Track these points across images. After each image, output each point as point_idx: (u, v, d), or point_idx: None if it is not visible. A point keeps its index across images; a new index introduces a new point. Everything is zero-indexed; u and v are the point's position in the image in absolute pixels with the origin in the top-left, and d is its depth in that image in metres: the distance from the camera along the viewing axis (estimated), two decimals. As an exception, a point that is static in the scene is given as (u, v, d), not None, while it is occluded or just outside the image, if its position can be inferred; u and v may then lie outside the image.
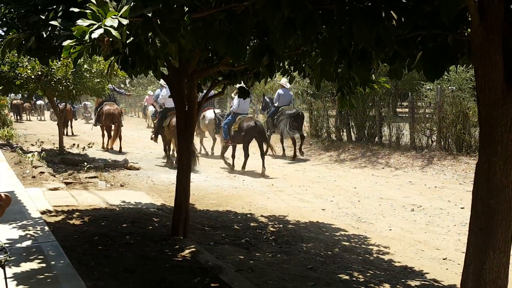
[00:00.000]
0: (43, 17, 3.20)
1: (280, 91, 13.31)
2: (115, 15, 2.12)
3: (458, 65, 2.95)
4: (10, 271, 3.69)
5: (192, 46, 3.06)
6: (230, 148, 11.16)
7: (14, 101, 26.65)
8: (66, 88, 10.26)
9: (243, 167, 10.67)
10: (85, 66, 10.13)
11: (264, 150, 10.77)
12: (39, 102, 29.11)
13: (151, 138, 12.44)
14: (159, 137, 11.94)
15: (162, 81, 11.05)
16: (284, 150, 13.36)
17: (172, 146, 11.46)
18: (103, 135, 13.81)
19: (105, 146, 13.66)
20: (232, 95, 12.04)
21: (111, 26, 2.07)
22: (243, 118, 10.79)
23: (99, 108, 13.97)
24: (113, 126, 13.27)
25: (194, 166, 9.75)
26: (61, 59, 8.38)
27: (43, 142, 12.91)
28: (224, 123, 11.18)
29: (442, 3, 2.04)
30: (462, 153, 10.94)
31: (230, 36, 2.56)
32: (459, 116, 11.18)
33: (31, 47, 3.46)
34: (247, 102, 11.41)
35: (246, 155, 10.65)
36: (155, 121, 13.10)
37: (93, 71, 10.29)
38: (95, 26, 2.08)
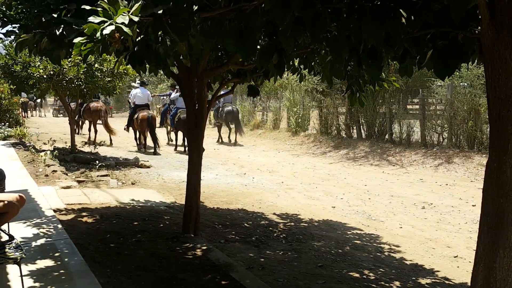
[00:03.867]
0: (56, 16, 3.24)
1: (222, 92, 15.53)
2: (125, 13, 2.15)
3: (469, 63, 2.94)
4: (26, 268, 3.75)
5: (201, 45, 3.08)
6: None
7: (22, 99, 27.33)
8: (78, 87, 10.35)
9: (184, 149, 13.43)
10: (96, 65, 10.20)
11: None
12: (39, 100, 30.32)
13: (124, 129, 14.60)
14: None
15: (136, 83, 14.29)
16: (226, 137, 16.36)
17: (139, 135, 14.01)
18: (89, 130, 15.35)
19: (92, 140, 14.68)
20: (173, 94, 15.12)
21: (122, 23, 2.10)
22: (182, 111, 13.17)
23: (85, 105, 15.25)
24: (99, 121, 14.73)
25: (158, 150, 13.23)
26: (72, 55, 8.50)
27: (55, 141, 13.02)
28: (170, 115, 14.42)
29: (451, 1, 2.04)
30: (473, 150, 10.87)
31: (239, 34, 2.57)
32: (470, 112, 11.10)
33: (45, 47, 3.50)
34: None
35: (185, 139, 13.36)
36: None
37: (104, 70, 10.36)
38: (106, 23, 2.11)
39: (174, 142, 14.83)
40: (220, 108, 16.10)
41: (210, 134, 16.47)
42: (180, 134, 14.52)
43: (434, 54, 2.54)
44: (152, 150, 13.23)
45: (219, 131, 16.38)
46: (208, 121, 21.57)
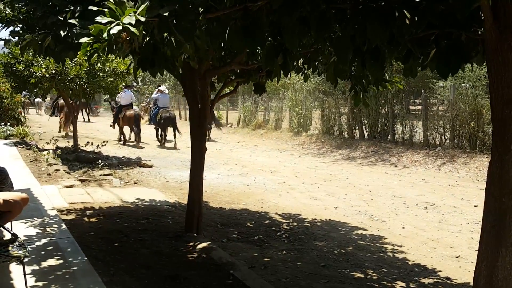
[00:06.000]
0: (61, 18, 3.26)
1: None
2: (132, 13, 2.16)
3: (472, 63, 2.95)
4: (29, 267, 3.76)
5: (207, 46, 3.10)
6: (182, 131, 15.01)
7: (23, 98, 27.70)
8: (80, 87, 10.37)
9: (163, 142, 15.20)
10: (99, 65, 10.21)
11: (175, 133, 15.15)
12: (37, 99, 30.93)
13: (111, 126, 16.41)
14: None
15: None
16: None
17: (126, 131, 15.75)
18: (60, 124, 17.52)
19: (62, 131, 16.89)
20: (154, 94, 16.88)
21: (129, 24, 2.12)
22: (163, 110, 15.23)
23: (54, 102, 17.53)
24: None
25: (139, 143, 14.68)
26: (78, 56, 8.57)
27: (57, 140, 13.04)
28: (152, 113, 16.12)
29: (456, 2, 2.05)
30: (475, 150, 10.88)
31: (246, 31, 2.58)
32: (472, 113, 11.11)
33: (48, 46, 3.51)
34: (167, 98, 16.59)
35: (165, 135, 15.31)
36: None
37: (106, 70, 10.38)
38: (113, 24, 2.13)
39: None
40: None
41: (212, 134, 16.65)
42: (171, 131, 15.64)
43: (437, 54, 2.55)
44: (138, 145, 14.77)
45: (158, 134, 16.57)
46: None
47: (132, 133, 15.42)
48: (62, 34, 3.25)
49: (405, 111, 13.51)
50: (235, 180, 9.32)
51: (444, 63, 2.47)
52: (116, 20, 2.11)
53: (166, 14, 2.25)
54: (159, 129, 15.49)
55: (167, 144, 15.28)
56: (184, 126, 18.58)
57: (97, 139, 14.04)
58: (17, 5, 3.67)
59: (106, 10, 2.18)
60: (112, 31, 2.05)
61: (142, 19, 2.12)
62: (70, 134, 16.26)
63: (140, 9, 2.16)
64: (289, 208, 7.21)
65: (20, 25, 3.79)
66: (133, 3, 2.25)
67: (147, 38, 2.52)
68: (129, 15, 2.11)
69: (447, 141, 11.83)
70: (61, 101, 16.28)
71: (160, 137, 15.54)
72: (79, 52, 3.10)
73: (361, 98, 4.06)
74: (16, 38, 3.95)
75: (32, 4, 3.49)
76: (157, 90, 16.48)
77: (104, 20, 2.12)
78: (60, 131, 17.32)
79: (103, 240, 4.88)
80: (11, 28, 3.88)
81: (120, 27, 2.07)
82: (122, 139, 15.62)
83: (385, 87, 4.10)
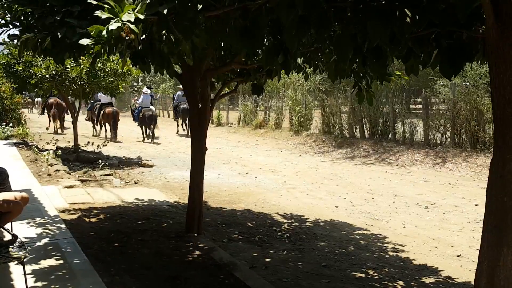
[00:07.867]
0: (59, 18, 3.24)
1: (179, 92, 18.71)
2: (131, 10, 2.15)
3: (473, 62, 2.94)
4: (29, 267, 3.76)
5: (205, 44, 3.08)
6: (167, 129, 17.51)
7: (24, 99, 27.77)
8: (80, 87, 10.36)
9: (147, 139, 16.60)
10: (99, 65, 10.20)
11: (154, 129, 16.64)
12: (37, 99, 31.08)
13: (86, 119, 18.52)
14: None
15: None
16: (184, 129, 19.13)
17: (107, 127, 17.03)
18: (49, 121, 18.74)
19: (55, 130, 18.24)
20: (141, 97, 18.08)
21: (128, 21, 2.10)
22: (145, 109, 16.69)
23: (44, 102, 18.77)
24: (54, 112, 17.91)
25: (115, 139, 16.11)
26: (80, 58, 8.60)
27: (58, 140, 13.04)
28: (136, 112, 17.42)
29: (457, 0, 2.04)
30: (476, 149, 10.86)
31: (245, 31, 2.57)
32: (473, 112, 11.10)
33: (46, 47, 3.50)
34: (149, 98, 17.65)
35: (147, 132, 16.78)
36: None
37: (107, 70, 10.37)
38: (112, 21, 2.11)
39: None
40: (178, 106, 18.75)
41: (212, 134, 16.71)
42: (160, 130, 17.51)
43: (440, 54, 2.53)
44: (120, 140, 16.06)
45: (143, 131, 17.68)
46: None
47: (109, 128, 16.75)
48: (59, 35, 3.23)
49: (406, 110, 13.49)
50: (236, 180, 9.31)
51: (448, 63, 2.46)
52: (115, 17, 2.10)
53: (165, 11, 2.24)
54: (142, 127, 16.97)
55: (155, 140, 16.46)
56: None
57: (97, 139, 14.07)
58: (17, 7, 3.66)
59: (105, 6, 2.17)
60: (111, 27, 2.04)
61: (141, 17, 2.11)
62: (50, 130, 18.06)
63: (139, 7, 2.15)
64: (290, 207, 7.20)
65: (19, 28, 3.77)
66: (132, 0, 2.24)
67: (145, 35, 2.51)
68: (128, 12, 2.09)
69: (447, 140, 11.81)
70: (51, 100, 17.60)
71: (143, 134, 16.93)
72: (81, 55, 3.09)
73: (365, 95, 4.04)
74: (15, 41, 3.93)
75: (31, 5, 3.48)
76: (143, 93, 17.97)
77: (103, 15, 2.11)
78: (57, 131, 18.13)
79: (103, 240, 4.87)
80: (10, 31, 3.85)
81: (119, 24, 2.05)
82: (104, 134, 16.97)
83: (389, 81, 4.08)
